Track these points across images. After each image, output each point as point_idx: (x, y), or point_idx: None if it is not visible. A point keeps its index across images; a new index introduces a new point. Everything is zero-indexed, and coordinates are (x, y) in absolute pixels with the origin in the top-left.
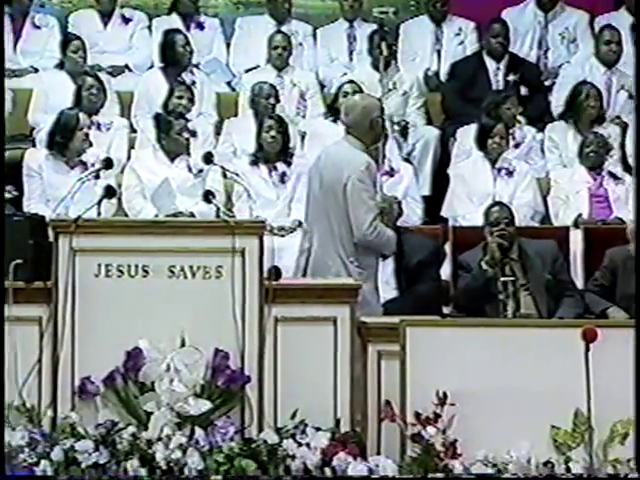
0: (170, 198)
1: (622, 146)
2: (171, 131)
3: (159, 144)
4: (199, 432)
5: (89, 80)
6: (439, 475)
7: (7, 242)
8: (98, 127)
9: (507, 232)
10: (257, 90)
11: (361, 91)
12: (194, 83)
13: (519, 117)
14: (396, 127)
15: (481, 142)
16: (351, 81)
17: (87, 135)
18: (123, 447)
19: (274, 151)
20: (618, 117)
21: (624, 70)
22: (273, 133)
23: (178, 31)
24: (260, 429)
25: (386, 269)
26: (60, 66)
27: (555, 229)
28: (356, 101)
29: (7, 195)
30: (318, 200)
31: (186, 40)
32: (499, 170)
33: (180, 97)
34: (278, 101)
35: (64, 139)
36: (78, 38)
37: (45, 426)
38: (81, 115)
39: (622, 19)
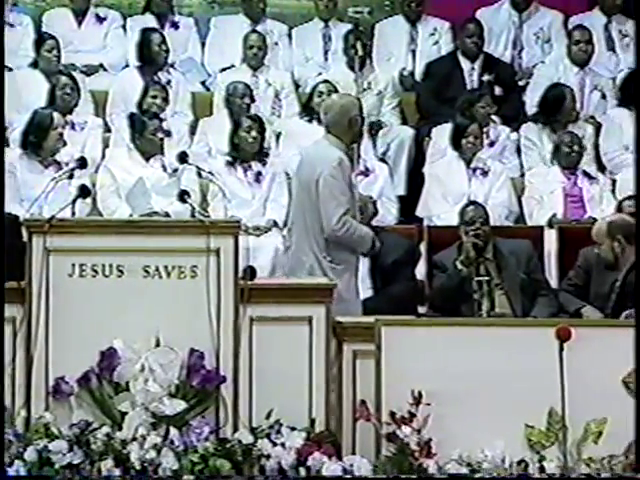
0: (145, 198)
1: (596, 146)
2: (145, 131)
3: (133, 144)
4: (174, 432)
5: (63, 79)
6: (413, 476)
7: None
8: (72, 126)
9: (482, 231)
10: (232, 89)
11: (336, 91)
12: (169, 82)
13: (493, 117)
14: (371, 127)
15: (456, 142)
16: (326, 81)
17: (61, 134)
18: (97, 447)
19: (252, 151)
20: (592, 117)
21: (597, 70)
22: (254, 134)
23: (154, 30)
24: (235, 429)
25: (362, 269)
26: (34, 65)
27: (530, 229)
28: (334, 100)
29: None
30: (296, 199)
31: (162, 39)
32: (474, 170)
33: (154, 96)
34: (253, 101)
35: (38, 138)
36: (52, 37)
37: (19, 426)
38: (55, 114)
39: (596, 19)
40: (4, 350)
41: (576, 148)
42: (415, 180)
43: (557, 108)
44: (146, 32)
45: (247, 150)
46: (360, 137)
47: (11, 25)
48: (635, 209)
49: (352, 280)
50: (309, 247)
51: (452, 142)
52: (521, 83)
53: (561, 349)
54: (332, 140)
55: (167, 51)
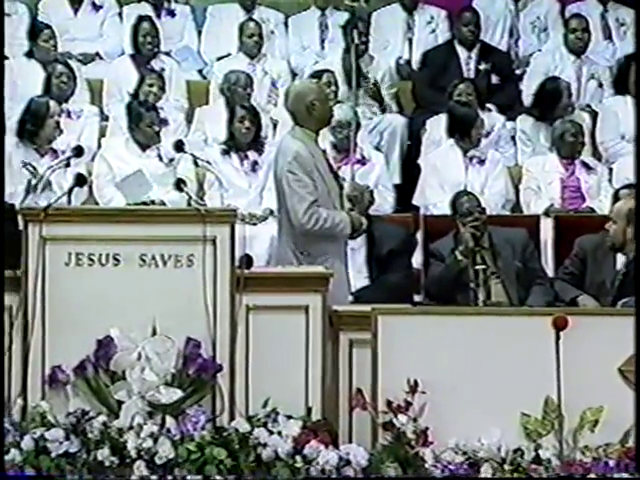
0: (143, 189)
1: (592, 135)
2: (141, 123)
3: (130, 134)
4: (170, 421)
5: (59, 67)
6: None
7: None
8: (68, 115)
9: (480, 221)
10: (234, 79)
11: (336, 82)
12: (163, 70)
13: (489, 105)
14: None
15: (456, 130)
16: (328, 71)
17: (58, 123)
18: (94, 436)
19: (246, 141)
20: (588, 106)
21: (594, 59)
22: (247, 124)
23: (146, 19)
24: (231, 418)
25: (358, 258)
26: (29, 54)
27: (526, 217)
28: (292, 87)
29: None
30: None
31: (150, 28)
32: (471, 159)
33: (151, 85)
34: (253, 91)
35: (34, 127)
36: (48, 27)
37: (15, 415)
38: (51, 103)
39: (592, 7)
40: (4, 346)
41: (580, 138)
42: (412, 169)
43: (553, 103)
44: (137, 21)
45: (241, 140)
46: (325, 123)
47: (7, 14)
48: (636, 203)
49: (341, 268)
50: (286, 242)
51: (449, 131)
52: (518, 72)
53: (557, 338)
54: (297, 130)
55: (152, 42)
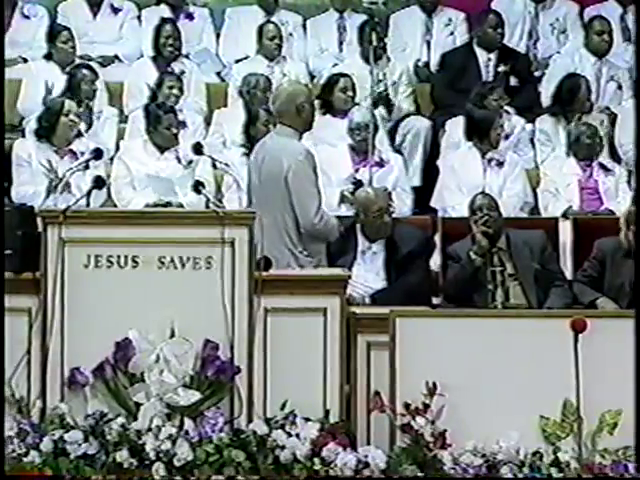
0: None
1: (610, 137)
2: (159, 125)
3: (148, 136)
4: (188, 423)
5: (83, 72)
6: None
7: None
8: (89, 116)
9: (490, 218)
10: (253, 82)
11: (353, 86)
12: (183, 73)
13: (508, 108)
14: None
15: (477, 133)
16: (346, 75)
17: (73, 122)
18: (112, 438)
19: None
20: (607, 108)
21: (613, 61)
22: (271, 127)
23: (168, 21)
24: (250, 420)
25: (376, 260)
26: (48, 57)
27: (544, 220)
28: (282, 88)
29: None
30: (258, 195)
31: (172, 31)
32: (489, 161)
33: (171, 87)
34: (272, 93)
35: (49, 123)
36: (67, 29)
37: (34, 417)
38: (67, 101)
39: (611, 10)
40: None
41: (597, 140)
42: (430, 171)
43: (572, 98)
44: (160, 23)
45: None
46: (310, 125)
47: (26, 17)
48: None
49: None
50: (283, 244)
51: (467, 133)
52: (537, 74)
53: (576, 340)
54: (284, 130)
55: (173, 45)
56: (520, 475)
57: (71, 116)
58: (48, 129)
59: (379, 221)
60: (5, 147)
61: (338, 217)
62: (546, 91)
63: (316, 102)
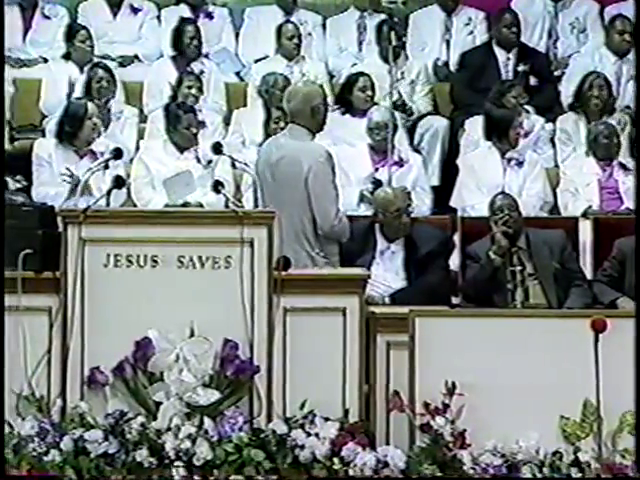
0: (188, 188)
1: (632, 136)
2: (179, 125)
3: (168, 136)
4: (208, 422)
5: (100, 72)
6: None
7: (17, 232)
8: (108, 117)
9: (511, 218)
10: (272, 82)
11: (373, 85)
12: (202, 73)
13: (527, 107)
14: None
15: (496, 132)
16: (365, 74)
17: (96, 124)
18: (132, 437)
19: None
20: (628, 107)
21: (633, 60)
22: (282, 124)
23: (189, 21)
24: (269, 419)
25: (395, 260)
26: (66, 56)
27: (564, 219)
28: (298, 88)
29: (17, 185)
30: (272, 195)
31: (195, 31)
32: (509, 160)
33: (190, 87)
34: None
35: (73, 128)
36: (84, 28)
37: (54, 416)
38: (89, 104)
39: (631, 9)
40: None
41: (614, 139)
42: (449, 171)
43: (592, 96)
44: (181, 23)
45: None
46: (322, 127)
47: (47, 17)
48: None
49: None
50: (299, 245)
51: (487, 133)
52: (556, 73)
53: (596, 340)
54: (298, 130)
55: (197, 45)
56: (539, 475)
57: (94, 119)
58: (70, 134)
59: (397, 221)
60: (25, 147)
61: (357, 217)
62: (566, 90)
63: (335, 101)
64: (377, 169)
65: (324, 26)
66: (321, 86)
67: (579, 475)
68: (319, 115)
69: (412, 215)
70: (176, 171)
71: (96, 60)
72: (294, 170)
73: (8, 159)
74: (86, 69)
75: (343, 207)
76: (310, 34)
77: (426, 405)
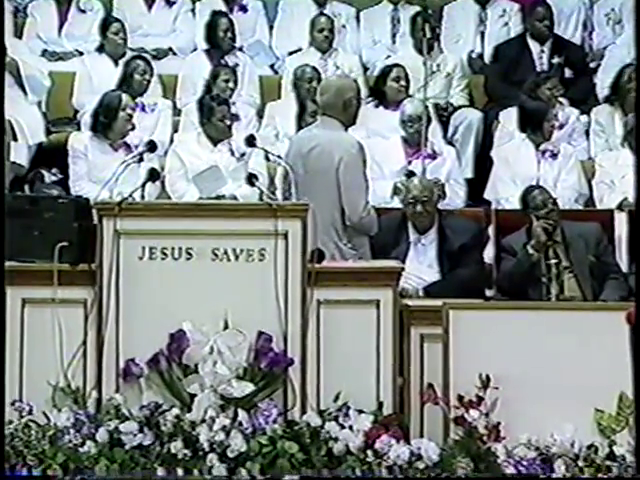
0: (218, 183)
1: None
2: (213, 117)
3: (202, 128)
4: (242, 414)
5: (139, 62)
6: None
7: (52, 224)
8: (142, 108)
9: (553, 212)
10: (300, 73)
11: (407, 76)
12: (237, 65)
13: (562, 99)
14: (439, 109)
15: (528, 124)
16: (398, 65)
17: (130, 116)
18: (167, 429)
19: None
20: None
21: None
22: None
23: (223, 14)
24: (303, 411)
25: (429, 252)
26: (100, 49)
27: (600, 212)
28: (331, 81)
29: (52, 177)
30: (303, 185)
31: (229, 25)
32: (543, 152)
33: (226, 80)
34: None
35: (107, 119)
36: (117, 20)
37: (90, 407)
38: (124, 96)
39: None
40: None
41: None
42: (483, 163)
43: (629, 88)
44: (215, 16)
45: None
46: (354, 121)
47: (82, 11)
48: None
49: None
50: (328, 237)
51: (521, 125)
52: (592, 65)
53: (632, 333)
54: (330, 122)
55: (232, 38)
56: (575, 469)
57: (128, 110)
58: (105, 125)
59: (423, 211)
60: (61, 140)
61: (390, 209)
62: (601, 82)
63: (366, 92)
64: (410, 162)
65: (358, 18)
66: (355, 80)
67: (615, 465)
68: (351, 109)
69: (448, 208)
70: (210, 164)
71: (130, 53)
72: (325, 161)
73: (44, 152)
74: (122, 61)
75: (377, 200)
76: (344, 26)
77: (460, 398)
